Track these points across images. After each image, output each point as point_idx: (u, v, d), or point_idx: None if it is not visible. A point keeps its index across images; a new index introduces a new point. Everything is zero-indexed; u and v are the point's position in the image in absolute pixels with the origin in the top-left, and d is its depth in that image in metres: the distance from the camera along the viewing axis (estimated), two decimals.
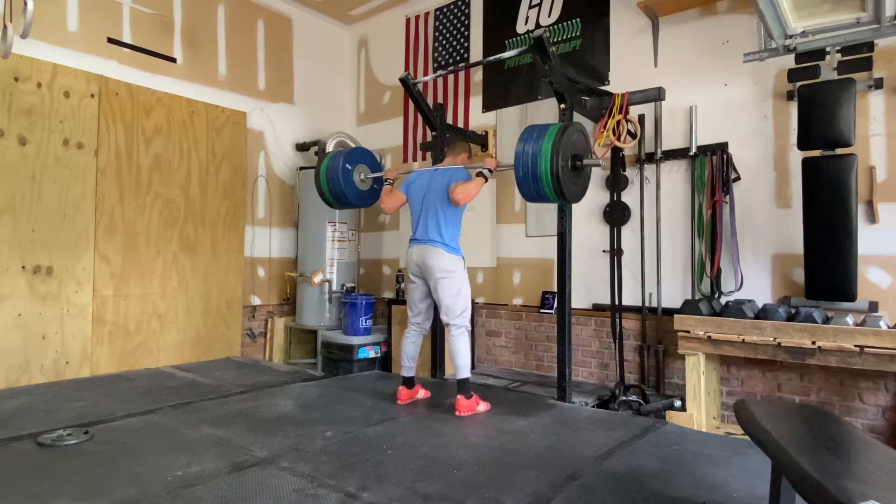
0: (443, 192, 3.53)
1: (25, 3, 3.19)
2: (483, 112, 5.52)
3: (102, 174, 4.62)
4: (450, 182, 3.51)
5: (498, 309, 5.30)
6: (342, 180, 4.00)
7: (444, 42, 5.89)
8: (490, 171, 3.51)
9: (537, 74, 5.01)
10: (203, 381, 4.10)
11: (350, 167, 4.04)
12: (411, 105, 5.87)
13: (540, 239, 5.02)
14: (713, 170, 4.04)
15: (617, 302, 4.45)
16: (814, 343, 3.28)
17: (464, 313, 3.53)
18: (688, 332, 3.72)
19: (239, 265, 5.55)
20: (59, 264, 4.38)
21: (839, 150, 3.41)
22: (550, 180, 3.12)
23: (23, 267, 4.21)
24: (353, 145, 6.08)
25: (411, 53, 6.17)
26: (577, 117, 4.28)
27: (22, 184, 4.21)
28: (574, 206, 4.28)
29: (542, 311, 5.00)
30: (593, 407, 3.97)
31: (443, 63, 5.88)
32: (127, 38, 4.88)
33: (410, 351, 3.72)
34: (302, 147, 6.16)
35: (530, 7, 5.24)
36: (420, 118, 5.55)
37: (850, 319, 3.28)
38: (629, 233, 4.52)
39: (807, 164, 3.52)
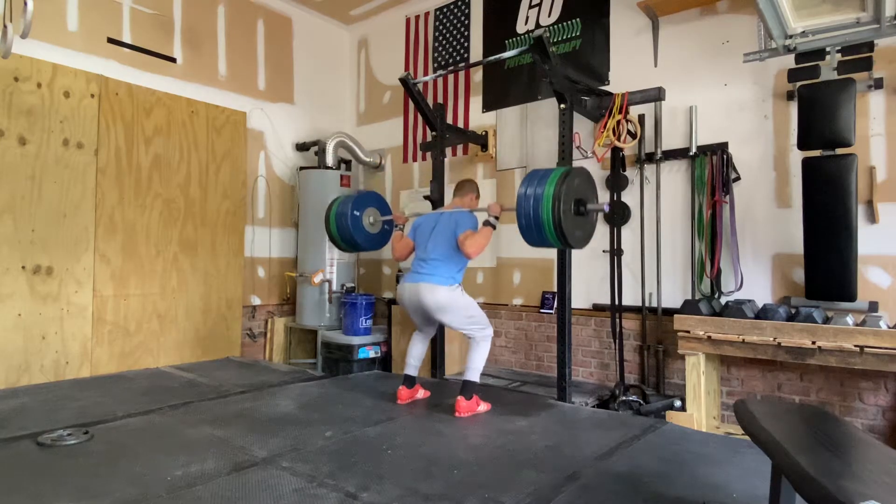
0: (449, 237, 3.51)
1: (25, 3, 3.19)
2: (483, 112, 5.52)
3: (102, 174, 4.62)
4: (456, 227, 3.50)
5: (498, 309, 5.30)
6: (351, 227, 4.05)
7: (444, 42, 5.89)
8: (497, 218, 3.52)
9: (537, 74, 5.01)
10: (203, 381, 4.10)
11: (358, 213, 4.08)
12: (411, 105, 5.87)
13: None
14: (713, 170, 4.04)
15: (617, 302, 4.45)
16: (814, 343, 3.28)
17: (481, 326, 3.54)
18: (688, 332, 3.72)
19: (239, 265, 5.55)
20: (59, 264, 4.38)
21: (839, 150, 3.41)
22: (553, 226, 3.06)
23: (23, 267, 4.21)
24: (353, 145, 6.09)
25: (411, 53, 6.17)
26: (577, 117, 4.30)
27: (22, 184, 4.21)
28: None
29: (542, 311, 5.00)
30: (593, 407, 3.97)
31: (443, 63, 5.88)
32: (127, 38, 4.88)
33: (417, 352, 3.73)
34: (302, 147, 6.16)
35: (530, 7, 5.24)
36: (420, 118, 5.55)
37: (850, 319, 3.28)
38: (629, 233, 4.52)
39: (807, 164, 3.51)
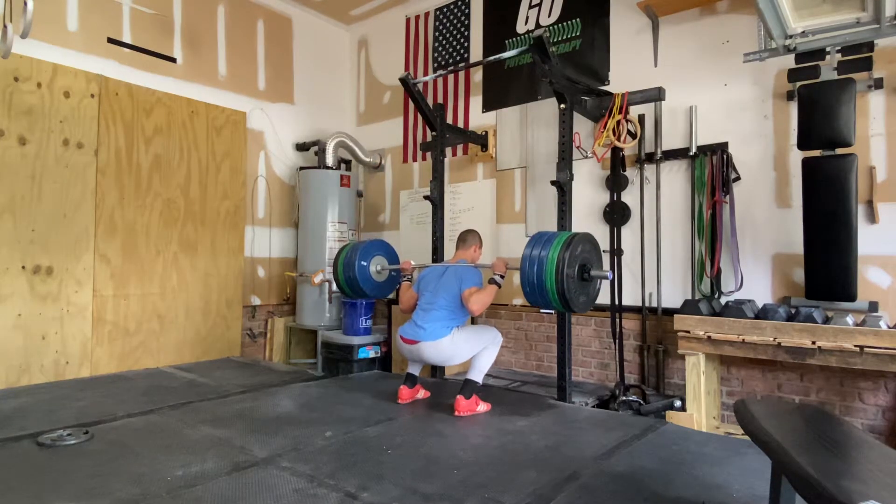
0: (453, 289, 3.54)
1: (25, 3, 3.19)
2: (483, 112, 5.52)
3: (102, 174, 4.62)
4: (461, 282, 3.54)
5: (498, 309, 5.30)
6: (359, 277, 4.11)
7: (444, 42, 5.89)
8: (502, 276, 3.55)
9: (537, 74, 5.01)
10: (203, 381, 4.10)
11: (365, 263, 4.13)
12: (411, 105, 5.87)
13: None
14: (713, 170, 4.04)
15: (617, 302, 4.45)
16: (814, 343, 3.28)
17: (487, 342, 3.56)
18: (688, 332, 3.72)
19: (239, 265, 5.55)
20: (59, 264, 4.38)
21: (839, 150, 3.41)
22: (556, 294, 3.07)
23: (23, 267, 4.21)
24: (353, 145, 6.09)
25: (411, 53, 6.17)
26: (577, 117, 4.30)
27: (22, 184, 4.21)
28: (574, 205, 4.29)
29: (542, 311, 4.99)
30: (593, 407, 3.97)
31: (443, 63, 5.88)
32: (127, 38, 4.88)
33: None
34: (302, 147, 6.16)
35: (530, 7, 5.24)
36: (420, 118, 5.55)
37: (850, 319, 3.28)
38: (629, 233, 4.51)
39: (807, 164, 3.51)
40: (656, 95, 4.01)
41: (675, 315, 3.82)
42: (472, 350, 3.52)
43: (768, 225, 3.93)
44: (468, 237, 3.89)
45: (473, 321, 5.05)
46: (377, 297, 4.39)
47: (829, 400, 3.67)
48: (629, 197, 4.52)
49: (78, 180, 4.49)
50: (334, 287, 5.62)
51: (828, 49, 3.46)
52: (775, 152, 3.92)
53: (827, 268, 3.42)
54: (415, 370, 3.70)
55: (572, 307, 3.16)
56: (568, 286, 3.04)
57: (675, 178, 4.33)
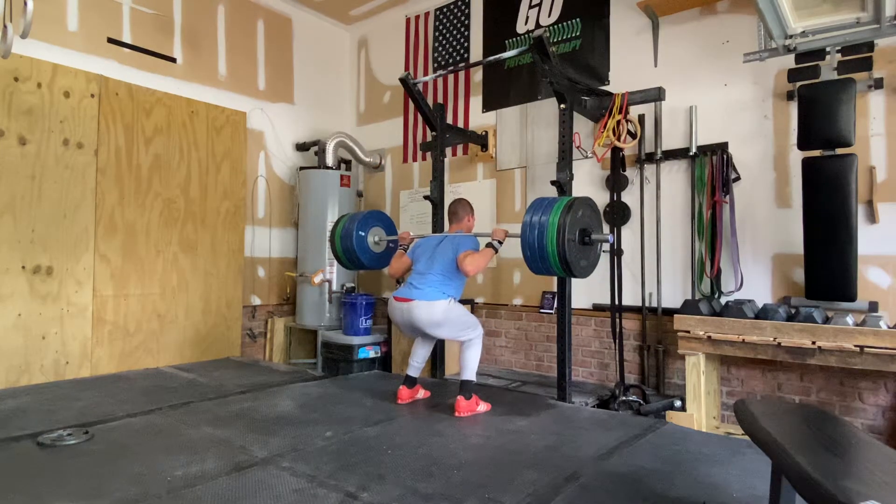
0: (449, 257, 3.52)
1: (25, 3, 3.19)
2: (483, 112, 5.52)
3: (102, 174, 4.62)
4: (458, 248, 3.52)
5: (498, 309, 5.30)
6: (356, 247, 4.06)
7: (444, 42, 5.89)
8: (500, 242, 3.53)
9: (537, 74, 5.01)
10: (203, 381, 4.10)
11: (363, 233, 4.09)
12: (411, 105, 5.87)
13: None
14: (713, 170, 4.04)
15: (617, 302, 4.45)
16: (814, 343, 3.28)
17: (471, 330, 3.55)
18: (688, 332, 3.72)
19: (239, 265, 5.55)
20: (59, 264, 4.38)
21: (839, 150, 3.41)
22: (557, 254, 3.06)
23: (23, 267, 4.21)
24: (353, 145, 6.09)
25: (411, 53, 6.17)
26: (577, 117, 4.30)
27: (22, 184, 4.21)
28: None
29: (542, 311, 4.99)
30: (593, 407, 3.97)
31: (443, 63, 5.88)
32: (127, 38, 4.88)
33: (421, 355, 3.73)
34: (302, 147, 6.16)
35: (530, 7, 5.24)
36: (420, 118, 5.55)
37: (850, 319, 3.28)
38: (629, 233, 4.51)
39: (807, 164, 3.51)
40: (656, 95, 4.01)
41: (675, 315, 3.83)
42: (459, 328, 3.50)
43: (768, 225, 3.93)
44: (458, 209, 3.83)
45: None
46: (374, 268, 4.31)
47: (829, 400, 3.67)
48: (629, 197, 4.52)
49: (78, 180, 4.49)
50: (335, 287, 5.63)
51: (828, 49, 3.46)
52: (775, 152, 3.92)
53: (827, 268, 3.42)
54: (414, 372, 3.70)
55: (574, 272, 3.15)
56: (569, 250, 3.03)
57: (675, 178, 4.33)
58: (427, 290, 3.45)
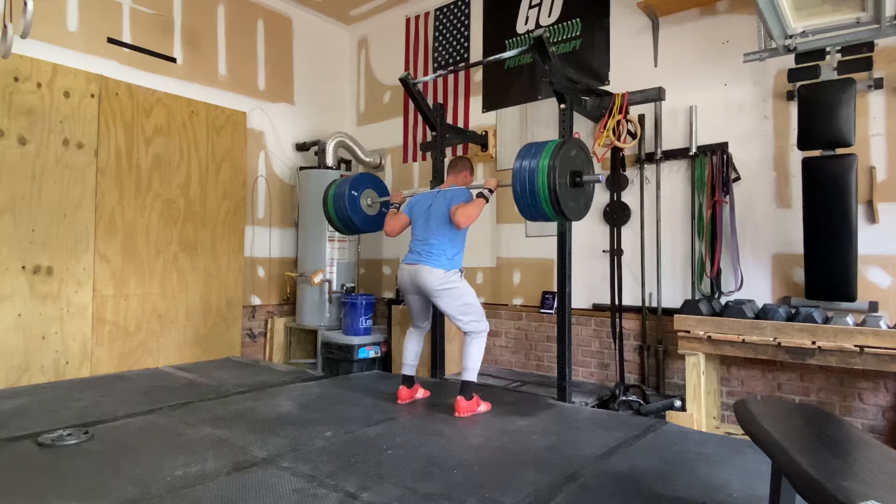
0: (444, 214, 3.52)
1: (25, 3, 3.19)
2: (483, 112, 5.52)
3: (102, 174, 4.62)
4: (450, 203, 3.51)
5: (498, 309, 5.30)
6: (349, 207, 4.05)
7: (444, 42, 5.89)
8: (491, 191, 3.52)
9: (537, 74, 5.01)
10: (203, 381, 4.10)
11: (356, 193, 4.08)
12: (411, 105, 5.87)
13: (540, 239, 5.02)
14: (713, 170, 4.04)
15: (617, 302, 4.45)
16: (814, 343, 3.28)
17: (476, 320, 3.52)
18: (688, 332, 3.72)
19: (239, 265, 5.55)
20: (59, 264, 4.38)
21: (839, 150, 3.41)
22: (548, 197, 3.05)
23: (23, 267, 4.21)
24: (353, 145, 6.09)
25: (411, 53, 6.17)
26: (577, 117, 4.29)
27: (22, 184, 4.21)
28: None
29: (542, 311, 4.99)
30: (593, 407, 3.97)
31: (443, 63, 5.88)
32: (127, 38, 4.88)
33: (413, 350, 3.73)
34: (302, 147, 6.16)
35: (530, 7, 5.23)
36: (420, 118, 5.55)
37: (850, 319, 3.28)
38: (629, 233, 4.51)
39: (807, 164, 3.51)
40: (656, 95, 4.01)
41: (675, 315, 3.83)
42: (461, 306, 3.48)
43: (768, 225, 3.93)
44: (458, 163, 3.84)
45: None
46: (366, 231, 4.31)
47: (829, 400, 3.67)
48: (629, 197, 4.52)
49: (78, 180, 4.49)
50: (335, 287, 5.63)
51: (828, 49, 3.46)
52: (775, 152, 3.92)
53: (827, 268, 3.42)
54: (410, 370, 3.69)
55: (566, 214, 3.13)
56: (561, 193, 3.02)
57: (675, 178, 4.33)
58: (430, 258, 3.48)
